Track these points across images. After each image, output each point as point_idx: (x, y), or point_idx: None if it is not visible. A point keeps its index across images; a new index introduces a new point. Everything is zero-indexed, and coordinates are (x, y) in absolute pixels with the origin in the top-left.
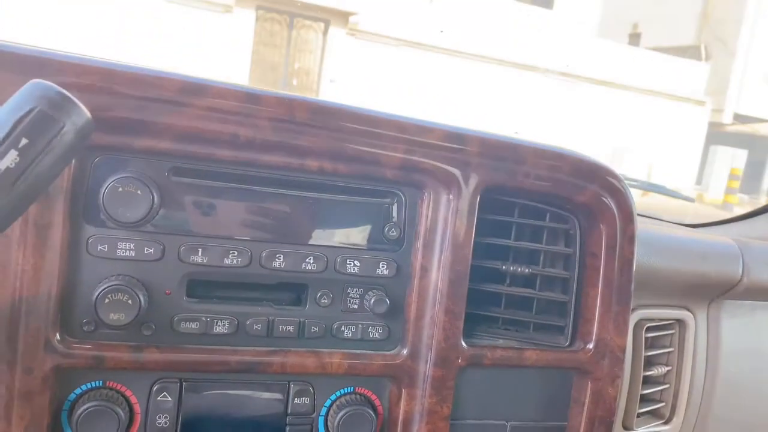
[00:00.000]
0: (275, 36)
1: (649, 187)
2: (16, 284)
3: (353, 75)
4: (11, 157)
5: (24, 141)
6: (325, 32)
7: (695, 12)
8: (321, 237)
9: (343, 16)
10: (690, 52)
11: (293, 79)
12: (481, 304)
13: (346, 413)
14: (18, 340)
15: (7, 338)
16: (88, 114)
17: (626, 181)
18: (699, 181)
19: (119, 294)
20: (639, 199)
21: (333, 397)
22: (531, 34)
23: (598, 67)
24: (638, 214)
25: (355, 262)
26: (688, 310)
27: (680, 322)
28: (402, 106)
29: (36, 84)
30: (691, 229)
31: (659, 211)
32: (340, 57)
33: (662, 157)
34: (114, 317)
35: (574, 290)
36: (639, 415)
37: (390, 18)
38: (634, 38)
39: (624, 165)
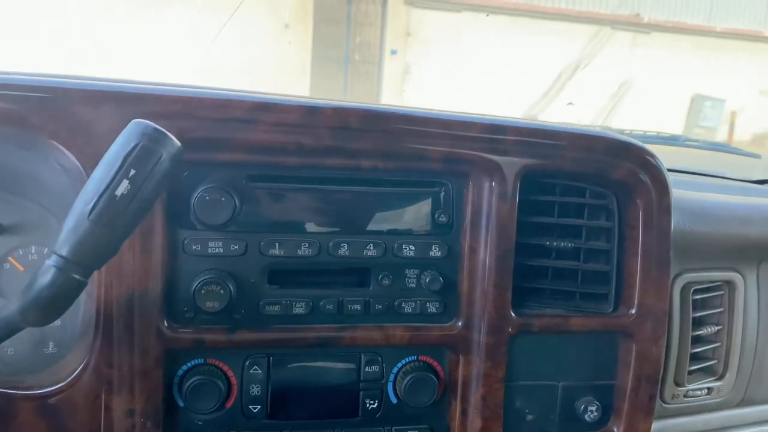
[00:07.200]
0: (335, 11)
1: (710, 147)
2: (130, 282)
3: (414, 44)
4: (124, 186)
5: (132, 171)
6: (383, 2)
7: None
8: (379, 225)
9: None
10: None
11: (355, 54)
12: (529, 278)
13: (411, 378)
14: (134, 328)
15: (125, 327)
16: (178, 143)
17: (687, 143)
18: None
19: (213, 285)
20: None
21: (399, 365)
22: None
23: (669, 12)
24: (700, 173)
25: (411, 246)
26: (737, 271)
27: (729, 283)
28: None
29: (137, 123)
30: (756, 185)
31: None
32: (400, 27)
33: (749, 104)
34: (210, 305)
35: (615, 260)
36: (690, 373)
37: None
38: None
39: (701, 114)
